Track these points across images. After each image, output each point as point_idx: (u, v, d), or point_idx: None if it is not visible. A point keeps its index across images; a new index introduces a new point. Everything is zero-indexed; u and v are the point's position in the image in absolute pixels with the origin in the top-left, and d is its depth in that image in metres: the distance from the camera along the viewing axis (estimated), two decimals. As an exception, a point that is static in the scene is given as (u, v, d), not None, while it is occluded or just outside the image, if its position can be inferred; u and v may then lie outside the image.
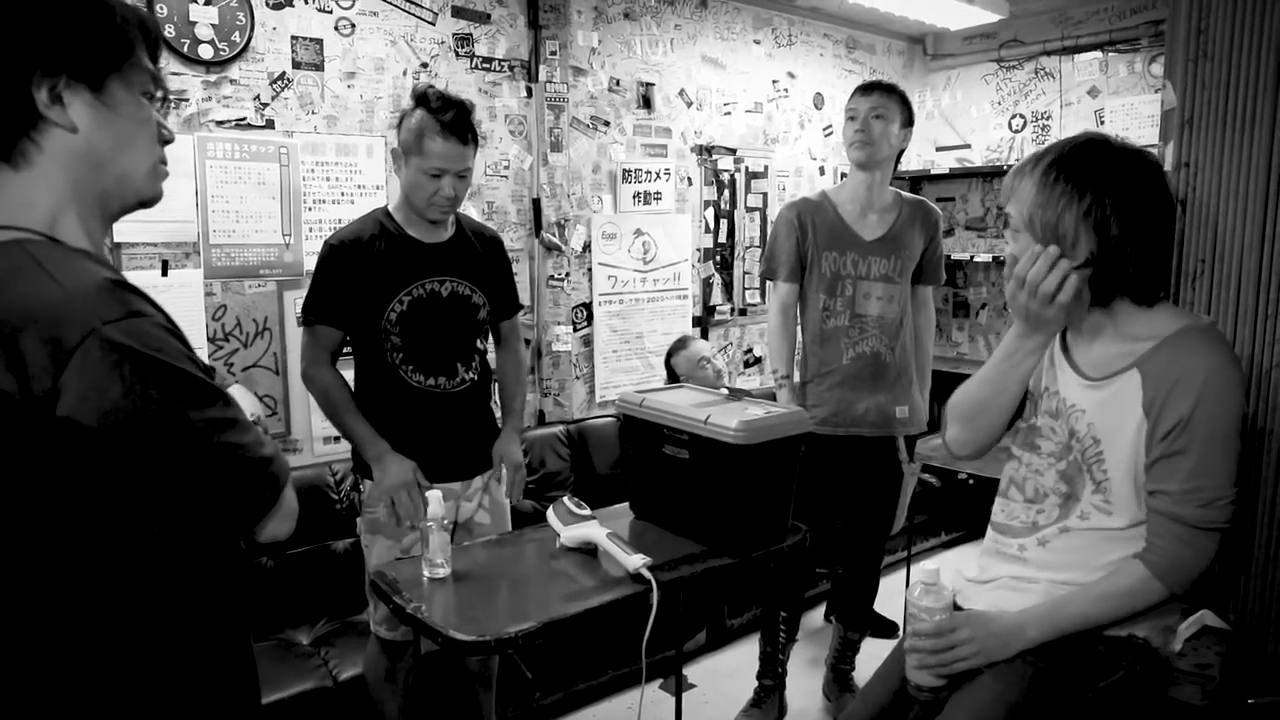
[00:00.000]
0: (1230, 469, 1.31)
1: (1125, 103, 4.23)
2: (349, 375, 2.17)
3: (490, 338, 2.36)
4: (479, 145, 2.10)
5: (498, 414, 2.39)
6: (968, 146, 4.88)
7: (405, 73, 3.09)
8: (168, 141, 1.03)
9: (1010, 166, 4.66)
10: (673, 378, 3.38)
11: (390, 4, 3.05)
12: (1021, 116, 4.64)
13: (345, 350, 2.18)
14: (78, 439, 0.84)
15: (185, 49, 2.62)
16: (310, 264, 2.17)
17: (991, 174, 4.71)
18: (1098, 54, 4.31)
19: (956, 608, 1.47)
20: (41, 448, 0.84)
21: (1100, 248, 1.33)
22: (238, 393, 1.09)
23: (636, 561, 1.69)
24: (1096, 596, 1.37)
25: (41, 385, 0.83)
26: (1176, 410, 1.30)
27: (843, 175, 4.57)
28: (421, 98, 2.03)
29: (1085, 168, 1.35)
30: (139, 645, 0.94)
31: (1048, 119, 4.54)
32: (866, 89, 2.59)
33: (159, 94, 1.01)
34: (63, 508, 0.87)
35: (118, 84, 0.95)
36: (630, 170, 3.79)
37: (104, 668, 0.92)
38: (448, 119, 2.00)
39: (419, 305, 2.10)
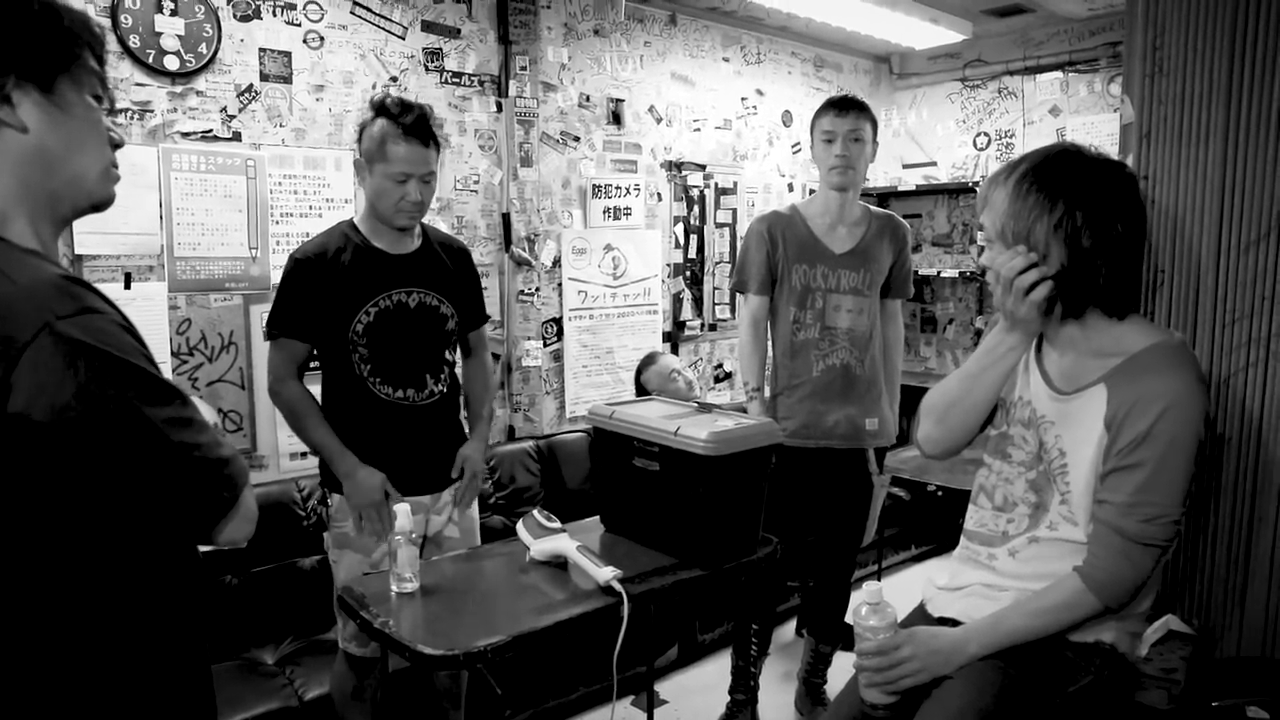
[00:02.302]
0: (1179, 490, 1.31)
1: (1086, 121, 4.32)
2: (317, 390, 2.15)
3: (459, 350, 2.34)
4: (441, 149, 2.11)
5: (467, 429, 2.37)
6: (934, 164, 4.95)
7: (374, 86, 3.08)
8: (118, 145, 1.02)
9: (976, 183, 4.72)
10: (643, 395, 3.36)
11: (360, 18, 3.05)
12: (986, 134, 4.72)
13: (314, 365, 2.16)
14: (29, 437, 0.82)
15: (150, 59, 2.59)
16: (277, 278, 2.14)
17: (957, 191, 4.79)
18: (1059, 74, 4.41)
19: (905, 624, 1.47)
20: None
21: (1071, 259, 1.32)
22: (196, 404, 1.07)
23: (607, 574, 1.68)
24: (1034, 610, 1.38)
25: None
26: (1135, 426, 1.31)
27: (811, 191, 4.62)
28: (380, 106, 2.04)
29: (1058, 178, 1.34)
30: (86, 655, 0.91)
31: (1011, 137, 4.63)
32: (841, 109, 2.55)
33: (106, 98, 1.00)
34: (12, 508, 0.84)
35: (67, 84, 0.94)
36: (600, 185, 3.80)
37: (45, 678, 0.89)
38: (409, 122, 2.01)
39: (386, 316, 2.08)
